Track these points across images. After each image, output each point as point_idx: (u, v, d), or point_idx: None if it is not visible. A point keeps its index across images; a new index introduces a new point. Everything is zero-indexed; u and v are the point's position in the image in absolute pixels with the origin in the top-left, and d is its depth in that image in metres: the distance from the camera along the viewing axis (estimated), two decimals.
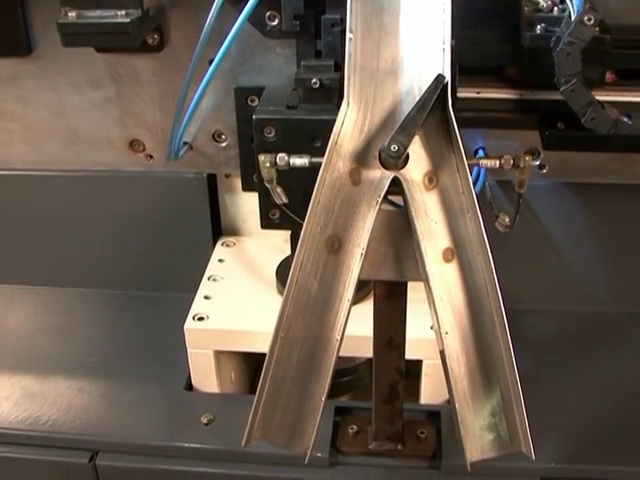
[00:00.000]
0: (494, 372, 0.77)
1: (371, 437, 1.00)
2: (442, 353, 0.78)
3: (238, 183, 1.19)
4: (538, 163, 1.14)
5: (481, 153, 1.12)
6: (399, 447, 1.00)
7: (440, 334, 0.76)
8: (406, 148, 0.72)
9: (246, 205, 1.28)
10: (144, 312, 1.28)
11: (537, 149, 1.13)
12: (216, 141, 1.20)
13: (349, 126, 0.75)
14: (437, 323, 0.77)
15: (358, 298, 1.06)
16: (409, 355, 0.94)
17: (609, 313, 1.25)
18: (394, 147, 0.72)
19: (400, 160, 0.74)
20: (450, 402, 0.80)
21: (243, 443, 0.79)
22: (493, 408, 0.79)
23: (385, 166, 0.75)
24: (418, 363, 1.08)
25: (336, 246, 0.76)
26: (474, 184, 0.76)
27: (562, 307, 1.26)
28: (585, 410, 1.07)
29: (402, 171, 0.75)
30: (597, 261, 1.25)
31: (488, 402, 0.78)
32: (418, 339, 1.01)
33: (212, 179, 1.26)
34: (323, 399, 0.77)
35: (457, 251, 0.76)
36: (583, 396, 1.09)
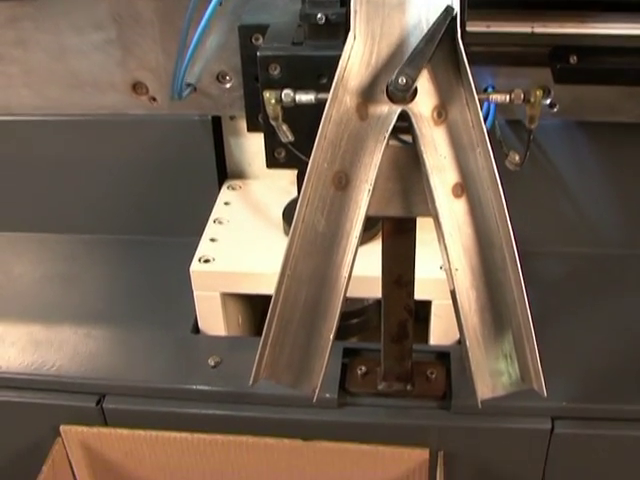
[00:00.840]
0: (505, 309, 0.76)
1: (380, 378, 0.99)
2: (452, 292, 0.77)
3: (243, 125, 1.17)
4: (549, 102, 1.12)
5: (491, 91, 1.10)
6: (408, 387, 0.99)
7: (450, 271, 0.75)
8: (414, 81, 0.70)
9: (252, 147, 1.27)
10: (149, 257, 1.28)
11: (548, 87, 1.11)
12: (220, 82, 1.18)
13: (355, 60, 0.73)
14: (447, 260, 0.75)
15: (366, 238, 1.05)
16: (418, 296, 0.93)
17: (620, 255, 1.24)
18: (402, 80, 0.70)
19: (408, 93, 0.72)
20: (460, 341, 0.79)
21: (251, 382, 0.79)
22: (504, 346, 0.78)
23: (393, 100, 0.73)
24: (427, 305, 1.08)
25: (343, 182, 0.74)
26: (484, 121, 0.74)
27: (572, 249, 1.25)
28: (596, 350, 1.06)
29: (410, 105, 0.73)
30: (608, 202, 1.23)
31: (499, 340, 0.78)
32: (427, 279, 1.00)
33: (217, 121, 1.24)
34: (331, 337, 0.76)
35: (467, 186, 0.74)
36: (594, 337, 1.09)
